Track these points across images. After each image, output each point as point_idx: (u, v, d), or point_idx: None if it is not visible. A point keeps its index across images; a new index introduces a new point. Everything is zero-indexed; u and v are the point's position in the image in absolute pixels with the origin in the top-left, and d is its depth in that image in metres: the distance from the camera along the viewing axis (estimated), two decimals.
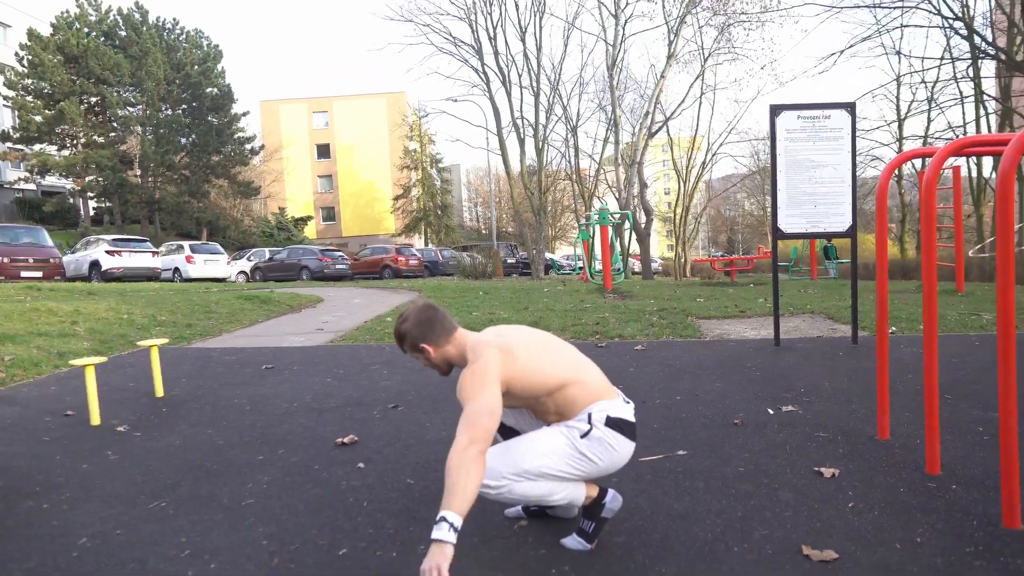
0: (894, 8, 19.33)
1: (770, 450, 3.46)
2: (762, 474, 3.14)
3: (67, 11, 37.34)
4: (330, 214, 56.59)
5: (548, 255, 34.52)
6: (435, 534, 2.00)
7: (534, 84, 25.90)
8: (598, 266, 16.37)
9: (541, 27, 25.82)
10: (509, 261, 31.85)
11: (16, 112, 35.86)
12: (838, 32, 79.95)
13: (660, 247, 65.11)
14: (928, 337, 3.01)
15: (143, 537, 2.67)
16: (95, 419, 4.33)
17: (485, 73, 25.79)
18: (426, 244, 48.75)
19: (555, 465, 2.36)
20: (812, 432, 3.72)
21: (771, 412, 4.12)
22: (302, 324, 9.00)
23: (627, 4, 23.94)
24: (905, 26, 20.34)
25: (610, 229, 13.79)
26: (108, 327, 8.02)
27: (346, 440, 3.76)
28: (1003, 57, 18.02)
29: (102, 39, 37.68)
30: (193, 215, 39.74)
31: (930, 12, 17.63)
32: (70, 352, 6.72)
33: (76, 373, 5.94)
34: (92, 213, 41.09)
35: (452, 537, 1.99)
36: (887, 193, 3.51)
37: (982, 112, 22.27)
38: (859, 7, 21.26)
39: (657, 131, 27.57)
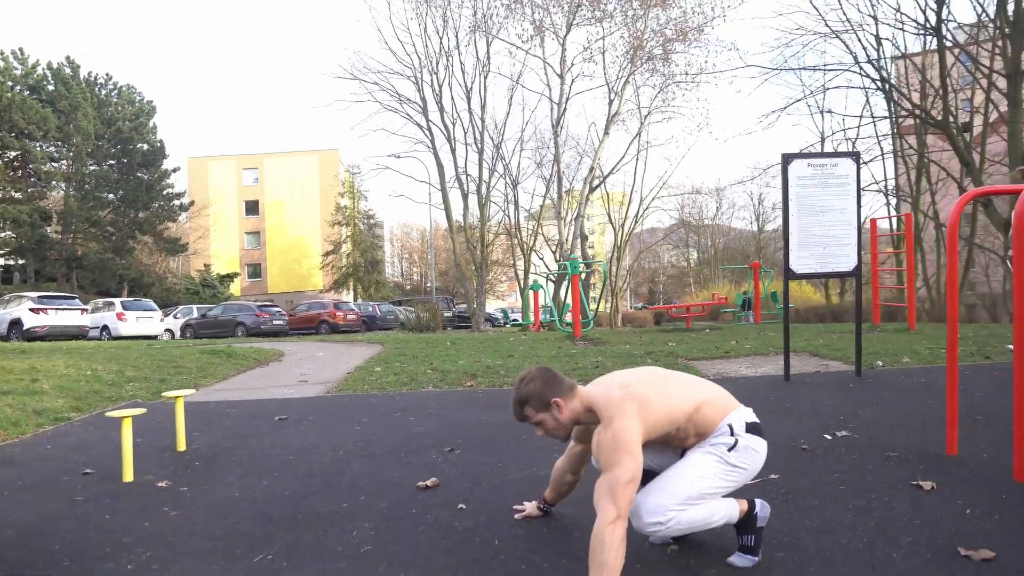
0: (816, 70, 20.77)
1: (856, 470, 3.54)
2: (866, 491, 3.21)
3: None
4: (256, 271, 55.16)
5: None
6: None
7: (478, 141, 26.27)
8: (548, 315, 16.54)
9: (486, 86, 26.31)
10: (446, 314, 31.72)
11: None
12: (771, 94, 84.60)
13: None
14: (1019, 364, 3.17)
15: None
16: (128, 475, 4.04)
17: (430, 130, 25.98)
18: (355, 299, 48.04)
19: (713, 484, 2.41)
20: (882, 453, 3.83)
21: (828, 438, 4.22)
22: (279, 377, 8.68)
23: (572, 64, 24.71)
24: (827, 88, 21.82)
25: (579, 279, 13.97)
26: (75, 384, 7.54)
27: (429, 483, 3.63)
28: (921, 115, 19.37)
29: (27, 92, 36.27)
30: (116, 272, 38.21)
31: (859, 74, 18.93)
32: (47, 410, 6.27)
33: (66, 430, 5.56)
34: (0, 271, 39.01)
35: None
36: (957, 229, 3.74)
37: (902, 167, 23.83)
38: (787, 69, 22.70)
39: (598, 186, 28.30)
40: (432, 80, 25.62)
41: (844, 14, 22.37)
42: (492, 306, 48.62)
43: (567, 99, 25.21)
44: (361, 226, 52.68)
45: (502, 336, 14.96)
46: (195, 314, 26.85)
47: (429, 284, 58.63)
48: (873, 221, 12.75)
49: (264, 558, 2.79)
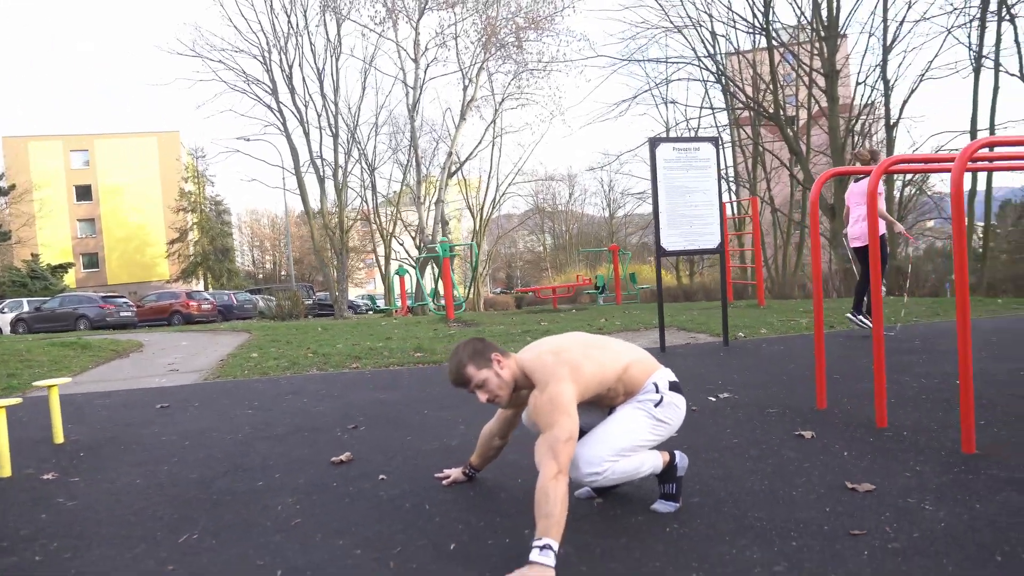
0: (660, 63, 22.07)
1: (743, 425, 3.89)
2: (756, 442, 3.54)
3: None
4: (93, 260, 50.74)
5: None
6: (543, 559, 2.13)
7: (332, 125, 25.67)
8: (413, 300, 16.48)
9: (338, 68, 25.76)
10: (307, 302, 30.88)
11: None
12: (619, 84, 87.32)
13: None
14: (877, 328, 3.60)
15: (208, 568, 2.42)
16: (5, 470, 3.75)
17: (281, 112, 25.10)
18: (206, 289, 45.55)
19: (643, 437, 2.61)
20: (762, 410, 4.22)
21: (713, 399, 4.58)
22: (145, 367, 8.20)
23: (426, 49, 24.59)
24: (670, 80, 23.16)
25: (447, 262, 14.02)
26: None
27: (343, 458, 3.62)
28: (755, 108, 20.84)
29: None
30: None
31: (699, 67, 20.14)
32: None
33: None
34: None
35: (554, 562, 2.15)
36: (818, 205, 4.15)
37: (740, 156, 25.58)
38: (634, 61, 23.81)
39: (456, 171, 28.42)
40: (281, 60, 24.80)
41: (684, 10, 23.70)
42: (352, 294, 47.61)
43: (422, 84, 25.18)
44: (209, 212, 49.88)
45: (372, 321, 14.80)
46: (26, 308, 24.53)
47: (284, 273, 56.64)
48: (723, 204, 13.69)
49: (189, 538, 2.70)
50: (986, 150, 3.95)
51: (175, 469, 3.66)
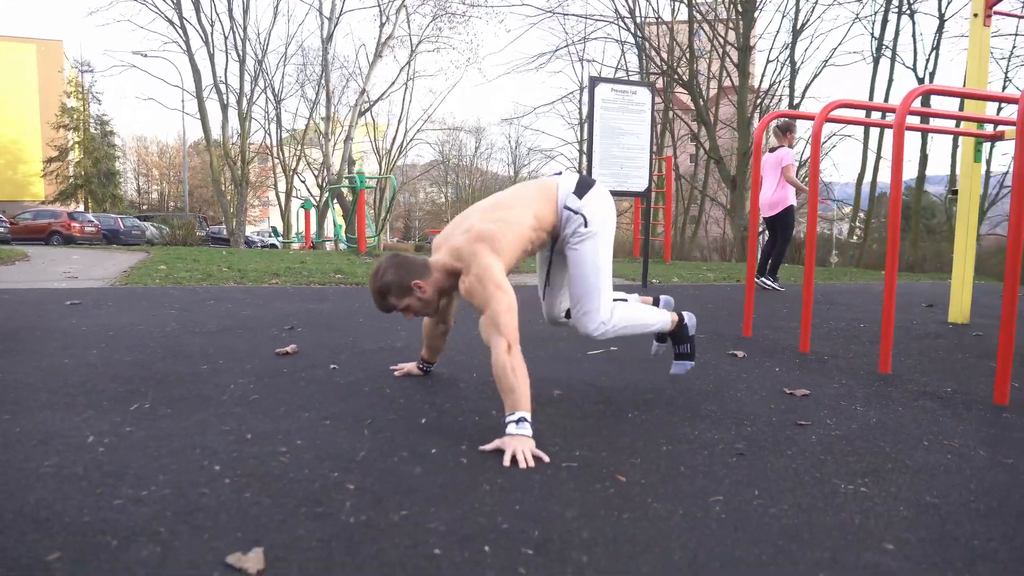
0: (581, 19, 22.18)
1: None
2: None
3: None
4: None
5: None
6: (521, 431, 2.15)
7: (239, 49, 24.43)
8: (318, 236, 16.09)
9: None
10: (199, 234, 29.55)
11: None
12: (537, 39, 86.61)
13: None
14: (808, 276, 3.83)
15: (171, 432, 2.34)
16: None
17: (184, 29, 23.63)
18: (87, 211, 42.56)
19: (604, 263, 2.62)
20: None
21: None
22: (38, 275, 7.67)
23: None
24: (588, 39, 23.32)
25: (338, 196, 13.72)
26: None
27: (288, 350, 3.56)
28: (671, 74, 21.30)
29: None
30: None
31: (618, 26, 20.35)
32: None
33: None
34: None
35: (531, 433, 2.18)
36: (761, 146, 4.37)
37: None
38: (556, 13, 23.78)
39: (367, 110, 27.69)
40: None
41: None
42: (246, 230, 45.60)
43: (339, 15, 24.30)
44: (94, 132, 46.34)
45: (278, 252, 14.37)
46: None
47: (173, 204, 53.86)
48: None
49: (141, 407, 2.60)
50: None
51: (105, 354, 3.49)
